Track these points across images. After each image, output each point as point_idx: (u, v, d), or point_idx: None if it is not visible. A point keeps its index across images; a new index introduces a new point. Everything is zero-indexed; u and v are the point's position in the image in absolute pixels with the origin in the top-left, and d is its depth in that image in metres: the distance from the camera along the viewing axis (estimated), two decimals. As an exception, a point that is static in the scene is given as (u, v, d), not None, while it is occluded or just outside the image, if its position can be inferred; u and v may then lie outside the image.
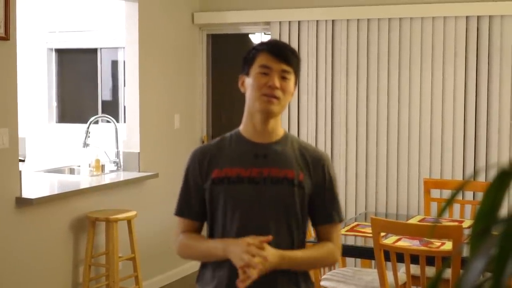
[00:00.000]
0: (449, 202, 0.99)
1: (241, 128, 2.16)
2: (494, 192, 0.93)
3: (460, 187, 0.98)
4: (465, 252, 3.09)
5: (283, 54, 2.07)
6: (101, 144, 5.37)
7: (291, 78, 2.07)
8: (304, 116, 5.10)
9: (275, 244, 2.04)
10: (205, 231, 2.21)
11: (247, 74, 2.10)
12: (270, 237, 1.98)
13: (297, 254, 2.06)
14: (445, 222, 3.66)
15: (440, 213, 1.00)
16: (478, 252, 0.86)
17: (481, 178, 4.54)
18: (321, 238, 2.16)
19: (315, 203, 2.12)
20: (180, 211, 2.16)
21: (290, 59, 2.07)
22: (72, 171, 5.11)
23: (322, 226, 2.14)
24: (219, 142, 2.16)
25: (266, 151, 2.09)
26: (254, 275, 1.92)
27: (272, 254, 1.96)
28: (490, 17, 4.56)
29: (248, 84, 2.09)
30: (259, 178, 2.05)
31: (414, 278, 3.30)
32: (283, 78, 2.05)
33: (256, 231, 2.03)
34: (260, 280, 2.01)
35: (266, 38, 5.44)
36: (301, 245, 2.13)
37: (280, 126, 2.15)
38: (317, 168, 2.11)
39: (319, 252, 2.11)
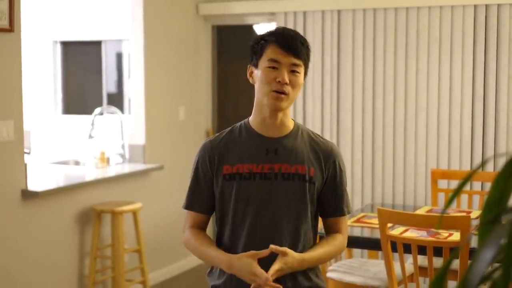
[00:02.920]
0: (457, 192, 0.97)
1: (250, 119, 2.13)
2: (503, 181, 0.91)
3: (468, 177, 0.96)
4: (473, 242, 3.07)
5: (293, 47, 2.00)
6: (106, 136, 5.36)
7: (301, 71, 2.03)
8: (310, 107, 5.07)
9: (286, 240, 2.06)
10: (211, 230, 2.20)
11: (256, 65, 2.06)
12: (268, 252, 1.98)
13: (315, 254, 2.07)
14: (453, 212, 3.63)
15: (448, 203, 0.97)
16: (487, 242, 0.84)
17: (490, 168, 4.51)
18: (329, 229, 2.17)
19: (325, 197, 2.12)
20: (190, 205, 2.15)
21: (300, 51, 2.01)
22: (77, 163, 5.10)
23: (332, 219, 2.16)
24: (229, 134, 2.12)
25: (276, 145, 2.06)
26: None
27: (292, 259, 1.98)
28: (499, 5, 4.51)
29: (257, 76, 2.05)
30: (271, 174, 2.04)
31: (421, 269, 3.28)
32: (293, 72, 2.01)
33: (268, 227, 2.04)
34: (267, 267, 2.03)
35: (271, 27, 5.39)
36: (311, 240, 2.13)
37: (289, 118, 2.12)
38: (328, 162, 2.09)
39: (334, 245, 2.12)
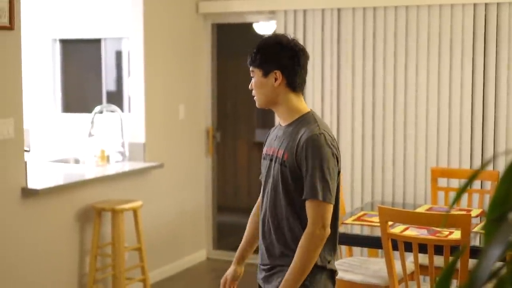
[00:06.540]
0: (461, 192, 0.97)
1: None
2: (510, 178, 0.91)
3: (472, 177, 0.96)
4: (474, 241, 3.07)
5: (248, 59, 2.39)
6: (106, 134, 5.36)
7: (256, 74, 2.37)
8: (310, 105, 5.05)
9: (271, 215, 2.35)
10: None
11: None
12: None
13: (288, 278, 2.25)
14: (453, 211, 3.64)
15: (453, 202, 0.97)
16: (494, 239, 0.84)
17: (489, 166, 4.51)
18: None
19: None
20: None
21: (252, 60, 2.37)
22: (77, 161, 5.10)
23: (306, 203, 2.28)
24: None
25: (281, 133, 2.40)
26: None
27: None
28: (498, 4, 4.52)
29: None
30: (273, 156, 2.39)
31: (422, 268, 3.28)
32: (253, 77, 2.40)
33: (265, 202, 2.40)
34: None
35: (270, 27, 5.39)
36: (290, 217, 2.31)
37: (297, 109, 2.37)
38: (298, 148, 2.28)
39: (301, 256, 2.24)
